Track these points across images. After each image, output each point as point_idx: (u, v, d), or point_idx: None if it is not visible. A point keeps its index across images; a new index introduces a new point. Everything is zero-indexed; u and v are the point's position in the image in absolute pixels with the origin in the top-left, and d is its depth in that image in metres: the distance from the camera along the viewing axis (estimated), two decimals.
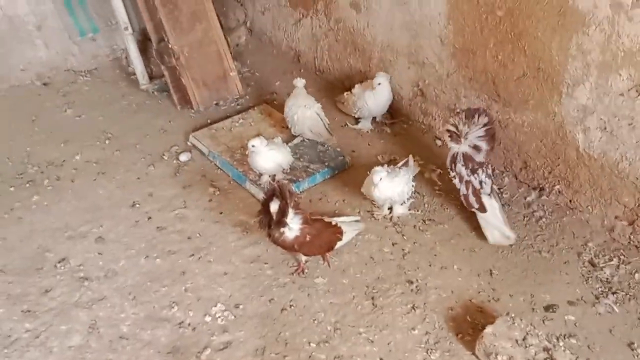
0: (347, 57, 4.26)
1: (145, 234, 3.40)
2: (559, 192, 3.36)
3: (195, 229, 3.42)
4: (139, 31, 4.62)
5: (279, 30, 4.72)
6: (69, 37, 4.60)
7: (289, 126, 3.87)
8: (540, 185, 3.43)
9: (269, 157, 3.47)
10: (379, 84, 3.80)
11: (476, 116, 3.16)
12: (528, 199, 3.44)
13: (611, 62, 2.85)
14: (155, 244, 3.34)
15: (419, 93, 3.88)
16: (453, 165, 3.24)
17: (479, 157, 3.23)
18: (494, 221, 3.24)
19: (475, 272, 3.08)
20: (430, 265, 3.13)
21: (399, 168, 3.37)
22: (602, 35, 2.83)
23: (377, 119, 4.07)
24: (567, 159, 3.25)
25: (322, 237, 3.00)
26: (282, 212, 2.86)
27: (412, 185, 3.36)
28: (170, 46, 4.06)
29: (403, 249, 3.22)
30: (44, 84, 4.60)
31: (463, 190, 3.24)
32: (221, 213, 3.51)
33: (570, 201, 3.33)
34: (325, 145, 3.86)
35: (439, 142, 3.85)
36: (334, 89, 4.38)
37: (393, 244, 3.25)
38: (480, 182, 3.24)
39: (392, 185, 3.22)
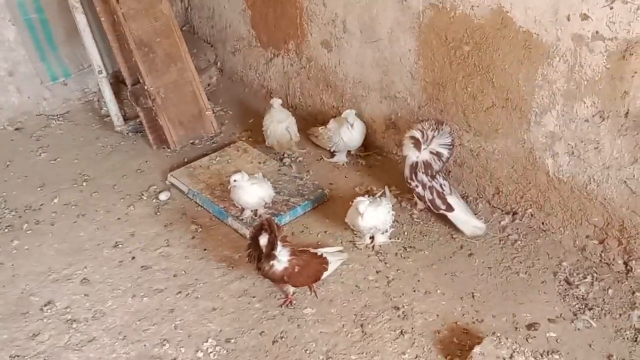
0: (319, 94, 4.39)
1: (130, 273, 3.42)
2: (532, 215, 3.52)
3: (180, 267, 3.45)
4: (112, 73, 4.66)
5: (250, 70, 4.83)
6: (40, 81, 4.62)
7: (265, 138, 4.18)
8: (513, 210, 3.59)
9: (252, 192, 3.54)
10: (352, 125, 3.92)
11: (442, 125, 3.49)
12: (502, 223, 3.58)
13: (575, 90, 3.04)
14: (141, 282, 3.36)
15: (391, 126, 4.02)
16: (413, 175, 3.49)
17: (437, 166, 3.47)
18: (463, 217, 3.50)
19: (458, 295, 3.19)
20: (414, 291, 3.23)
21: (379, 198, 3.48)
22: (566, 66, 3.02)
23: (352, 152, 4.19)
24: (538, 183, 3.42)
25: (310, 268, 3.08)
26: (272, 245, 2.94)
27: (392, 214, 3.47)
28: (146, 88, 4.13)
29: (387, 276, 3.31)
30: (17, 129, 4.58)
31: (428, 195, 3.49)
32: (205, 249, 3.55)
33: (543, 223, 3.48)
34: (304, 180, 3.96)
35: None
36: (307, 123, 4.48)
37: (377, 272, 3.35)
38: (441, 185, 3.51)
39: (376, 214, 3.33)
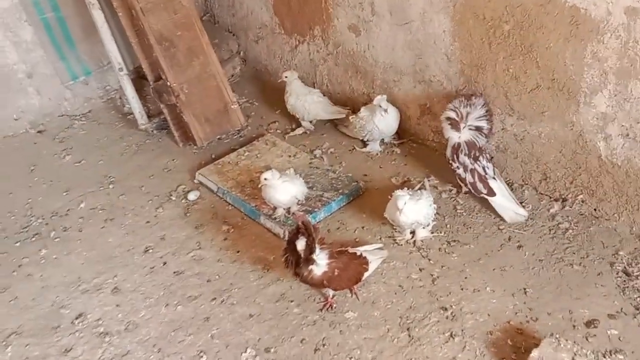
0: (348, 80, 4.19)
1: (162, 280, 3.29)
2: (583, 201, 3.30)
3: (213, 271, 3.31)
4: (133, 70, 4.52)
5: (275, 58, 4.64)
6: (60, 82, 4.49)
7: (300, 117, 4.13)
8: (563, 196, 3.37)
9: (284, 190, 3.38)
10: (386, 110, 3.73)
11: (473, 98, 3.33)
12: (551, 210, 3.37)
13: (629, 68, 2.80)
14: (174, 290, 3.23)
15: (427, 111, 3.81)
16: (455, 156, 3.35)
17: (481, 141, 3.33)
18: (505, 202, 3.34)
19: (509, 292, 3.00)
20: (462, 289, 3.04)
21: (419, 190, 3.29)
22: (618, 42, 2.78)
23: (385, 140, 4.00)
24: (589, 168, 3.19)
25: (350, 270, 2.91)
26: (310, 249, 2.77)
27: (434, 207, 3.27)
28: (168, 84, 3.96)
29: (432, 274, 3.13)
30: (39, 132, 4.47)
31: (469, 178, 3.34)
32: (238, 251, 3.41)
33: (595, 210, 3.26)
34: (337, 172, 3.78)
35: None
36: None
37: (420, 270, 3.17)
38: (484, 168, 3.34)
39: (417, 208, 3.14)
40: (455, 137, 3.35)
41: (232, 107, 4.18)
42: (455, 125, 3.33)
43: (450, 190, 3.58)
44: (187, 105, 4.03)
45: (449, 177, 3.61)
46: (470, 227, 3.36)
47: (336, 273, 2.84)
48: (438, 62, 3.58)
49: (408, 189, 3.31)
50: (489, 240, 3.28)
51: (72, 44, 4.44)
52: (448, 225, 3.39)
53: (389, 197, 3.24)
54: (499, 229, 3.33)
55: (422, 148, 3.94)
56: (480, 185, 3.34)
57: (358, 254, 2.99)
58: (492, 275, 3.09)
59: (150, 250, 3.47)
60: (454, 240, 3.30)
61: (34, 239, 3.62)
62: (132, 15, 3.95)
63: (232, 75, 4.87)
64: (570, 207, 3.34)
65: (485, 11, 3.19)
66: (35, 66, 4.38)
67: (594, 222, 3.27)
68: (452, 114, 3.34)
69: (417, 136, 3.96)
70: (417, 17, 3.53)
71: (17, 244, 3.60)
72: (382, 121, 3.80)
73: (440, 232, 3.35)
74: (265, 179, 3.33)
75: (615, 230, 3.20)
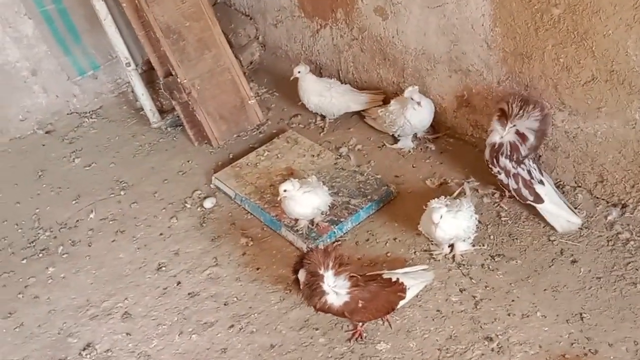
0: (375, 68, 3.80)
1: (176, 303, 3.01)
2: None
3: (231, 292, 3.02)
4: (143, 63, 4.19)
5: (296, 43, 4.26)
6: (67, 78, 4.19)
7: (329, 115, 3.82)
8: (622, 201, 2.97)
9: (305, 202, 3.04)
10: (419, 103, 3.33)
11: (533, 105, 2.91)
12: (609, 217, 2.97)
13: None
14: (189, 315, 2.95)
15: (464, 103, 3.41)
16: (495, 159, 2.96)
17: (524, 150, 2.91)
18: (555, 209, 2.96)
19: (563, 317, 2.64)
20: (509, 315, 2.69)
21: (459, 199, 2.91)
22: None
23: (419, 135, 3.62)
24: None
25: (379, 300, 2.57)
26: (315, 280, 2.44)
27: (476, 218, 2.90)
28: (179, 81, 3.62)
29: (474, 296, 2.78)
30: (47, 132, 4.19)
31: (513, 184, 2.97)
32: (258, 269, 3.10)
33: None
34: (365, 174, 3.42)
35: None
36: None
37: (461, 291, 2.82)
38: (529, 172, 2.96)
39: (456, 222, 2.78)
40: (496, 136, 2.95)
41: (250, 102, 3.83)
42: (503, 118, 2.92)
43: (493, 194, 3.20)
44: (200, 102, 3.69)
45: (491, 177, 3.22)
46: (516, 239, 2.99)
47: (360, 304, 2.50)
48: (476, 49, 3.16)
49: (445, 197, 2.92)
50: (539, 254, 2.90)
51: (77, 37, 4.12)
52: (491, 236, 3.02)
53: (424, 206, 2.88)
54: (549, 240, 2.95)
55: (459, 144, 3.55)
56: (525, 192, 2.96)
57: (393, 279, 2.64)
58: (543, 297, 2.73)
59: (164, 268, 3.20)
60: (499, 255, 2.94)
61: (41, 255, 3.37)
62: (137, 6, 3.59)
63: (252, 63, 4.51)
64: (631, 214, 2.94)
65: None
66: (39, 62, 4.08)
67: None
68: (505, 107, 2.94)
69: (454, 130, 3.57)
70: None
71: (24, 261, 3.36)
72: (415, 115, 3.42)
73: (483, 245, 2.98)
74: (284, 190, 3.00)
75: None
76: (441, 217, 2.74)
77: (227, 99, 3.78)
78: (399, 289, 2.62)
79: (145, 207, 3.57)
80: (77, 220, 3.55)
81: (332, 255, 2.51)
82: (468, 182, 3.24)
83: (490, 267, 2.89)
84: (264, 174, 3.55)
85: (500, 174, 3.00)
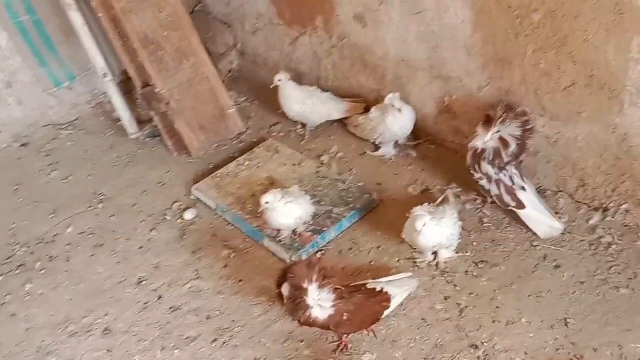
0: (355, 76, 3.78)
1: (157, 318, 2.96)
2: (627, 211, 2.92)
3: (213, 305, 2.97)
4: (120, 73, 4.13)
5: (275, 51, 4.23)
6: (43, 89, 4.12)
7: (310, 123, 3.79)
8: (604, 205, 2.98)
9: (287, 213, 3.00)
10: (399, 109, 3.32)
11: (517, 113, 2.95)
12: (591, 222, 2.99)
13: None
14: (171, 330, 2.90)
15: (445, 110, 3.41)
16: (476, 165, 2.95)
17: (506, 157, 2.91)
18: (537, 215, 2.96)
19: (547, 323, 2.64)
20: (494, 322, 2.68)
21: (442, 206, 2.90)
22: None
23: (400, 142, 3.60)
24: (635, 175, 2.80)
25: (364, 312, 2.54)
26: (299, 294, 2.41)
27: (459, 225, 2.89)
28: (157, 91, 3.58)
29: (458, 304, 2.77)
30: (23, 145, 4.11)
31: (494, 190, 2.96)
32: (240, 281, 3.06)
33: None
34: (347, 182, 3.40)
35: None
36: None
37: (446, 298, 2.80)
38: (511, 178, 2.95)
39: (440, 230, 2.76)
40: (481, 138, 2.94)
41: (229, 112, 3.79)
42: (487, 124, 2.92)
43: (475, 200, 3.19)
44: (178, 113, 3.65)
45: (473, 184, 3.22)
46: (500, 245, 2.99)
47: (345, 317, 2.47)
48: (457, 55, 3.16)
49: (429, 204, 2.91)
50: (522, 260, 2.90)
51: (53, 48, 4.05)
52: (474, 243, 3.01)
53: (407, 214, 2.86)
54: (532, 245, 2.95)
55: (441, 150, 3.55)
56: (507, 198, 2.96)
57: (378, 289, 2.61)
58: (527, 303, 2.72)
59: (144, 282, 3.14)
60: (482, 261, 2.93)
61: (18, 271, 3.29)
62: (114, 17, 3.54)
63: (230, 71, 4.47)
64: (613, 218, 2.96)
65: None
66: (13, 74, 4.00)
67: None
68: (492, 112, 2.96)
69: (435, 137, 3.56)
70: (431, 5, 3.11)
71: (1, 278, 3.27)
72: (396, 122, 3.41)
73: (466, 252, 2.98)
74: (266, 202, 2.96)
75: None
76: (424, 225, 2.72)
77: (207, 108, 3.74)
78: (384, 298, 2.59)
79: (124, 220, 3.51)
80: (55, 235, 3.48)
81: (316, 267, 2.47)
82: (451, 188, 3.22)
83: (474, 274, 2.88)
84: (245, 184, 3.51)
85: (482, 179, 2.99)
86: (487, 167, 2.96)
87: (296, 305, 2.42)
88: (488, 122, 2.93)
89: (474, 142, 2.99)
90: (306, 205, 3.07)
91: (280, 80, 3.69)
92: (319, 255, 3.04)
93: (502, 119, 2.91)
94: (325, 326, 2.49)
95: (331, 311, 2.46)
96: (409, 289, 2.73)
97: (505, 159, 2.94)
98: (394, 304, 2.64)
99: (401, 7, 3.25)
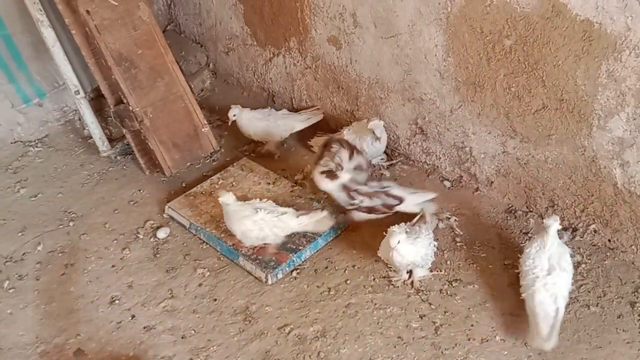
0: (329, 96, 3.83)
1: (131, 337, 2.92)
2: (595, 231, 3.00)
3: (188, 324, 2.95)
4: (92, 90, 4.10)
5: (248, 71, 4.26)
6: (11, 105, 4.05)
7: (277, 138, 3.79)
8: (573, 225, 3.06)
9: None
10: (378, 138, 3.41)
11: (333, 145, 3.19)
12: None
13: None
14: (145, 349, 2.87)
15: (418, 131, 3.47)
16: (353, 195, 3.16)
17: (363, 176, 3.19)
18: (416, 197, 3.19)
19: (521, 341, 2.69)
20: (469, 339, 2.73)
21: (418, 225, 2.94)
22: (639, 60, 2.46)
23: (373, 162, 3.65)
24: (603, 196, 2.89)
25: None
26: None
27: (435, 245, 2.94)
28: (131, 109, 3.56)
29: (434, 322, 2.81)
30: None
31: (377, 201, 3.15)
32: (215, 300, 3.05)
33: (610, 241, 2.97)
34: (322, 201, 3.42)
35: (447, 184, 3.45)
36: (314, 129, 3.91)
37: (421, 317, 2.84)
38: (377, 186, 3.21)
39: (415, 248, 2.80)
40: (334, 186, 3.15)
41: (203, 130, 3.80)
42: (331, 176, 3.14)
43: (448, 219, 3.25)
44: (152, 131, 3.63)
45: (446, 202, 3.29)
46: (472, 263, 3.05)
47: None
48: (430, 79, 3.23)
49: (405, 223, 2.95)
50: (495, 278, 2.96)
51: (22, 64, 4.00)
52: (448, 262, 3.07)
53: (384, 232, 2.89)
54: (504, 264, 3.02)
55: (413, 170, 3.61)
56: (390, 200, 3.15)
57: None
58: (501, 321, 2.78)
59: (117, 301, 3.10)
60: (456, 280, 2.98)
61: None
62: (87, 34, 3.52)
63: (202, 90, 4.48)
64: (582, 238, 3.04)
65: (483, 24, 2.86)
66: None
67: (608, 254, 2.97)
68: (325, 169, 3.15)
69: (408, 157, 3.63)
70: (405, 29, 3.18)
71: None
72: (372, 148, 3.46)
73: (440, 270, 3.02)
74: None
75: (633, 263, 2.92)
76: (399, 242, 2.76)
77: (180, 127, 3.73)
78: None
79: (95, 238, 3.46)
80: (24, 254, 3.41)
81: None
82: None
83: (449, 292, 2.93)
84: (219, 202, 3.50)
85: (362, 202, 3.14)
86: (362, 188, 3.15)
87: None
88: (330, 174, 3.14)
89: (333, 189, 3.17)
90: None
91: (234, 115, 3.74)
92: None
93: (338, 160, 3.15)
94: None
95: None
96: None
97: (360, 179, 3.18)
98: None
99: (376, 30, 3.31)
